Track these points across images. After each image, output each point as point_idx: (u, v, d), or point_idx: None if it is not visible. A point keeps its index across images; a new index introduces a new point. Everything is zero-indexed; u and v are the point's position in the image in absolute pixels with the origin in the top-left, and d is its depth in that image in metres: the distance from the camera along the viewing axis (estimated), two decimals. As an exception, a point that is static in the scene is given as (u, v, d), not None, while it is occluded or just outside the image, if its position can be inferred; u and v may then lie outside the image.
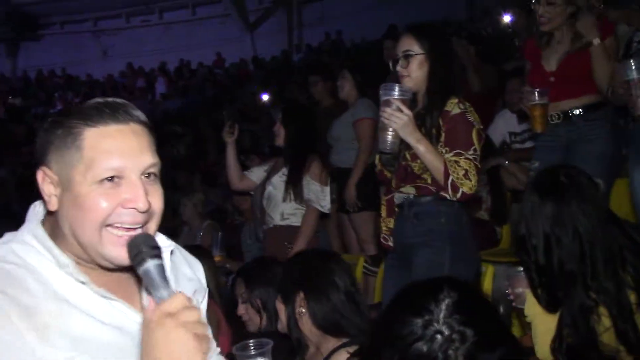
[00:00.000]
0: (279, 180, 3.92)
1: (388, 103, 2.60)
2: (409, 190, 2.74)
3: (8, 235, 1.29)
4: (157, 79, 16.99)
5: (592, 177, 3.04)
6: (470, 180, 2.60)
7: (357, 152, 4.53)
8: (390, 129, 2.60)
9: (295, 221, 3.87)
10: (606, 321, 2.14)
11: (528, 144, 4.62)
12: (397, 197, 2.79)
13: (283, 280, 2.34)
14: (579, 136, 3.29)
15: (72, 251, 1.24)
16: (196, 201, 5.38)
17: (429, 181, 2.68)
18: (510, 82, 4.84)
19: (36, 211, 1.31)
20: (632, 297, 2.10)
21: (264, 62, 16.14)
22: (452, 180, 2.59)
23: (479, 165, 2.66)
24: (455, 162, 2.60)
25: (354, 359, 1.91)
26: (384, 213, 2.87)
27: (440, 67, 2.73)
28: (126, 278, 1.29)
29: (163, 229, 1.33)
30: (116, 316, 1.24)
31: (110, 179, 1.19)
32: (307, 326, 2.21)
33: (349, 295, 2.24)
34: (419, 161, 2.67)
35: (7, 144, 11.08)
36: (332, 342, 2.16)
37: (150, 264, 1.10)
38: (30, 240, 1.24)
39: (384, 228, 2.87)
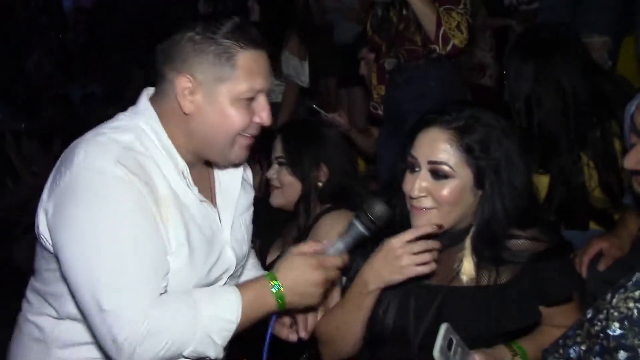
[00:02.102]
0: None
1: None
2: (400, 54, 2.67)
3: (125, 118, 1.40)
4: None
5: (601, 33, 2.93)
6: (462, 33, 2.53)
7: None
8: None
9: (275, 98, 3.80)
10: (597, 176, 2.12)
11: (535, 5, 4.40)
12: (388, 63, 2.73)
13: (292, 152, 2.08)
14: None
15: (181, 147, 1.40)
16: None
17: (419, 43, 2.60)
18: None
19: (149, 98, 1.41)
20: (618, 145, 2.06)
21: None
22: (444, 30, 2.51)
23: (470, 21, 2.57)
24: (448, 13, 2.52)
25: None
26: (374, 80, 2.83)
27: None
28: (204, 171, 1.50)
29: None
30: (207, 217, 1.45)
31: (249, 98, 1.37)
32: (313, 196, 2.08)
33: (353, 162, 2.18)
34: (410, 22, 2.58)
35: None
36: (319, 208, 2.10)
37: (360, 227, 1.44)
38: (150, 133, 1.37)
39: (375, 95, 2.82)
